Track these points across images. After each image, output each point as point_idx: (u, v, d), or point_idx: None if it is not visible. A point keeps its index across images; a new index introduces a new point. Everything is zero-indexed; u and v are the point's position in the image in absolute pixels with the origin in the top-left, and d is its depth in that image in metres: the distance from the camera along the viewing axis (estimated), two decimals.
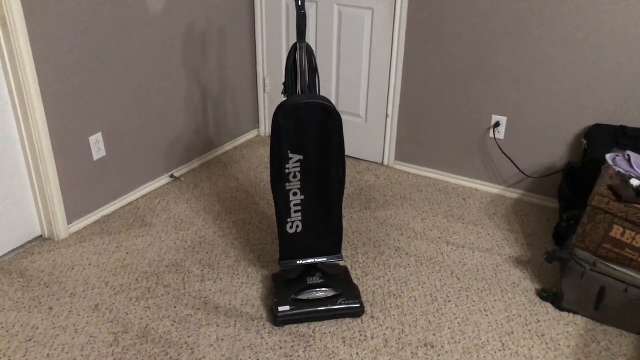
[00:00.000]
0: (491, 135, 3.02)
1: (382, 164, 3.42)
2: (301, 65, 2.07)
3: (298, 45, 2.05)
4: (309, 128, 1.94)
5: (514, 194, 3.07)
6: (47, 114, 2.42)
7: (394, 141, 3.33)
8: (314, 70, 2.11)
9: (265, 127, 3.79)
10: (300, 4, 1.98)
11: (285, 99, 2.04)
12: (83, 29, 2.48)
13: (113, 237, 2.64)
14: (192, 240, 2.63)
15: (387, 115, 3.28)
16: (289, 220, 2.10)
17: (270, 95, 3.67)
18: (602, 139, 2.59)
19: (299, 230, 2.12)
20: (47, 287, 2.29)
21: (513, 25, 2.76)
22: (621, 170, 2.19)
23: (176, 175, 3.20)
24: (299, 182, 2.03)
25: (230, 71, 3.43)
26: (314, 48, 3.34)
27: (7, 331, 2.05)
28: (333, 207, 2.10)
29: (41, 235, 2.63)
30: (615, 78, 2.62)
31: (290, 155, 1.98)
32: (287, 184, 2.03)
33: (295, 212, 2.09)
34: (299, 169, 2.01)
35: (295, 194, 2.05)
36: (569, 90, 2.74)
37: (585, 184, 2.45)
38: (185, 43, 3.05)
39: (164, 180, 3.14)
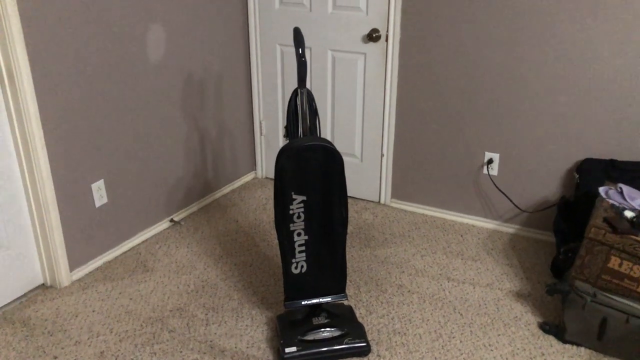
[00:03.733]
0: (485, 171, 3.09)
1: (378, 202, 3.48)
2: (302, 109, 2.15)
3: (299, 90, 2.12)
4: (312, 169, 2.00)
5: (510, 228, 3.13)
6: (51, 163, 2.46)
7: (389, 180, 3.39)
8: (314, 113, 2.18)
9: (262, 170, 3.85)
10: (300, 52, 2.06)
11: (287, 142, 2.10)
12: (86, 80, 2.55)
13: (116, 283, 2.64)
14: (195, 284, 2.64)
15: (382, 155, 3.35)
16: (293, 260, 2.13)
17: (267, 138, 3.74)
18: (593, 172, 2.67)
19: (304, 270, 2.15)
20: (51, 335, 2.28)
21: (502, 64, 2.87)
22: (615, 203, 2.26)
23: (176, 219, 3.23)
24: (303, 223, 2.07)
25: (228, 116, 3.51)
26: None
27: None
28: (337, 247, 2.14)
29: (43, 284, 2.62)
30: (604, 113, 2.72)
31: (294, 196, 2.03)
32: (291, 225, 2.07)
33: (300, 252, 2.12)
34: (302, 210, 2.05)
35: (299, 234, 2.09)
36: (559, 125, 2.84)
37: (580, 216, 2.52)
38: (184, 90, 3.13)
39: (164, 224, 3.16)
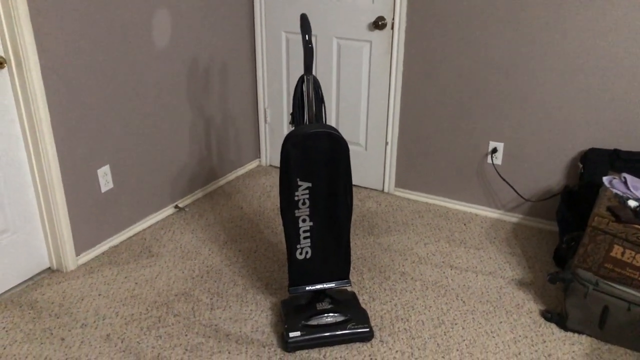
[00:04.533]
0: (489, 161, 3.10)
1: (382, 191, 3.49)
2: (308, 96, 2.15)
3: (305, 77, 2.13)
4: (318, 156, 2.01)
5: (513, 217, 3.14)
6: (58, 148, 2.47)
7: (393, 168, 3.40)
8: (320, 100, 2.19)
9: (266, 157, 3.86)
10: (307, 38, 2.07)
11: (293, 128, 2.11)
12: (93, 65, 2.56)
13: (121, 267, 2.67)
14: (200, 270, 2.66)
15: (386, 143, 3.36)
16: (298, 246, 2.15)
17: (271, 125, 3.75)
18: (597, 162, 2.67)
19: (308, 256, 2.16)
20: (57, 318, 2.30)
21: (508, 53, 2.87)
22: (618, 192, 2.27)
23: (180, 205, 3.25)
24: (308, 209, 2.09)
25: (232, 103, 3.51)
26: None
27: None
28: (341, 233, 2.15)
29: (49, 267, 2.65)
30: (609, 103, 2.72)
31: (300, 183, 2.04)
32: (296, 211, 2.08)
33: (305, 238, 2.13)
34: (308, 196, 2.06)
35: (304, 221, 2.11)
36: (563, 115, 2.84)
37: (583, 206, 2.53)
38: (189, 77, 3.13)
39: (169, 210, 3.18)
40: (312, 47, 2.07)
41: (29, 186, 2.49)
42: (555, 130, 2.88)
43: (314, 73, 3.42)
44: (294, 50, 3.46)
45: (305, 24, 2.09)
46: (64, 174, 2.53)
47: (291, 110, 2.25)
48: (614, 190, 2.29)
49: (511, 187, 3.08)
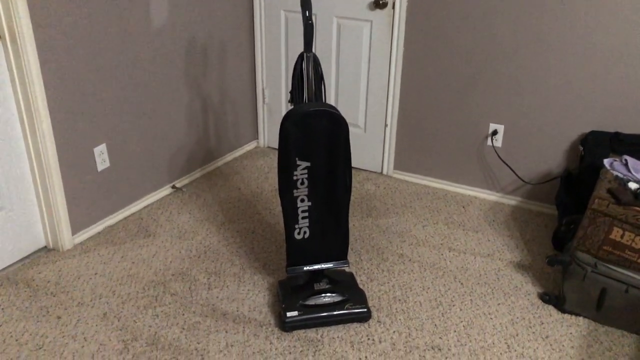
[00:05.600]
0: (489, 143, 3.08)
1: (381, 173, 3.47)
2: (308, 74, 2.12)
3: (305, 54, 2.10)
4: (317, 135, 1.98)
5: (512, 200, 3.13)
6: (54, 126, 2.44)
7: (392, 150, 3.38)
8: (320, 78, 2.16)
9: (264, 138, 3.83)
10: (307, 15, 2.03)
11: (292, 107, 2.08)
12: (89, 42, 2.52)
13: (118, 247, 2.65)
14: (197, 249, 2.65)
15: (385, 125, 3.33)
16: (296, 226, 2.13)
17: (270, 106, 3.71)
18: (598, 145, 2.66)
19: (306, 236, 2.15)
20: (54, 296, 2.29)
21: (510, 35, 2.83)
22: (619, 174, 2.25)
23: (178, 185, 3.22)
24: (307, 189, 2.07)
25: (230, 83, 3.47)
26: None
27: (17, 340, 2.05)
28: (340, 213, 2.14)
29: (46, 246, 2.63)
30: (610, 86, 2.69)
31: (298, 162, 2.02)
32: (294, 191, 2.07)
33: (303, 218, 2.12)
34: (306, 176, 2.04)
35: (302, 201, 2.09)
36: (565, 98, 2.81)
37: (583, 189, 2.52)
38: (187, 56, 3.09)
39: (166, 190, 3.16)
40: (312, 24, 2.04)
41: (25, 164, 2.47)
42: (556, 113, 2.86)
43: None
44: (294, 29, 3.42)
45: (305, 0, 2.05)
46: (60, 151, 2.50)
47: (290, 89, 2.22)
48: (615, 173, 2.28)
49: (511, 169, 3.06)
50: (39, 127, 2.38)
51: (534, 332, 2.15)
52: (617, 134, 2.66)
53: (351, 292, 2.22)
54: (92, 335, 2.08)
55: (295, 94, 2.18)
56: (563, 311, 2.26)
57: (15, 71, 2.30)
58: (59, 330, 2.10)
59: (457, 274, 2.50)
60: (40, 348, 2.02)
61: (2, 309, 2.21)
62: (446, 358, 2.02)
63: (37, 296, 2.29)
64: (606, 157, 2.45)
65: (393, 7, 3.05)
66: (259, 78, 3.66)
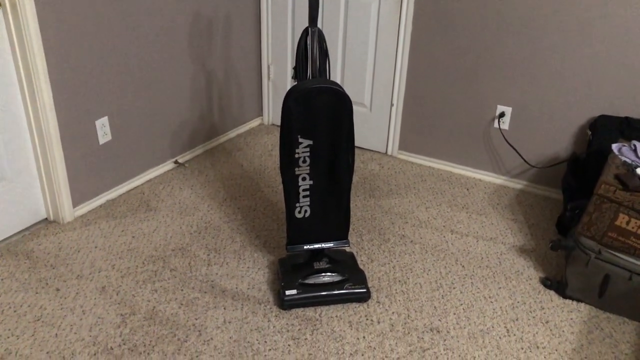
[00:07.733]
0: (496, 125, 3.03)
1: (385, 153, 3.43)
2: (312, 50, 2.07)
3: (310, 29, 2.05)
4: (320, 113, 1.95)
5: (517, 184, 3.09)
6: (55, 97, 2.41)
7: (398, 131, 3.34)
8: (324, 54, 2.11)
9: (268, 116, 3.79)
10: None
11: (296, 83, 2.04)
12: (91, 13, 2.47)
13: (118, 221, 2.64)
14: (198, 225, 2.63)
15: (391, 105, 3.28)
16: (297, 205, 2.11)
17: (275, 83, 3.66)
18: (607, 129, 2.60)
19: (307, 215, 2.13)
20: (53, 268, 2.29)
21: (520, 16, 2.77)
22: (627, 160, 2.21)
23: (180, 161, 3.20)
24: (308, 167, 2.04)
25: (235, 58, 3.42)
26: None
27: (15, 311, 2.05)
28: (342, 193, 2.11)
29: (46, 218, 2.63)
30: (621, 70, 2.63)
31: (300, 140, 1.98)
32: (296, 169, 2.04)
33: (304, 197, 2.09)
34: (308, 154, 2.01)
35: (304, 179, 2.06)
36: (574, 81, 2.75)
37: (589, 174, 2.47)
38: (192, 29, 3.04)
39: (168, 165, 3.14)
40: None
41: (26, 135, 2.45)
42: (565, 96, 2.80)
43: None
44: (301, 4, 3.35)
45: None
46: (61, 123, 2.47)
47: (294, 65, 2.18)
48: (623, 158, 2.23)
49: (517, 152, 3.02)
50: (39, 98, 2.35)
51: (534, 317, 2.13)
52: (627, 119, 2.61)
53: (351, 272, 2.21)
54: (90, 309, 2.08)
55: (299, 70, 2.13)
56: (564, 296, 2.23)
57: (15, 39, 2.26)
58: (57, 302, 2.10)
59: (458, 257, 2.48)
60: (38, 320, 2.02)
61: (2, 279, 2.21)
62: (445, 340, 2.01)
63: (36, 268, 2.29)
64: (615, 142, 2.40)
65: None
66: (264, 54, 3.60)
